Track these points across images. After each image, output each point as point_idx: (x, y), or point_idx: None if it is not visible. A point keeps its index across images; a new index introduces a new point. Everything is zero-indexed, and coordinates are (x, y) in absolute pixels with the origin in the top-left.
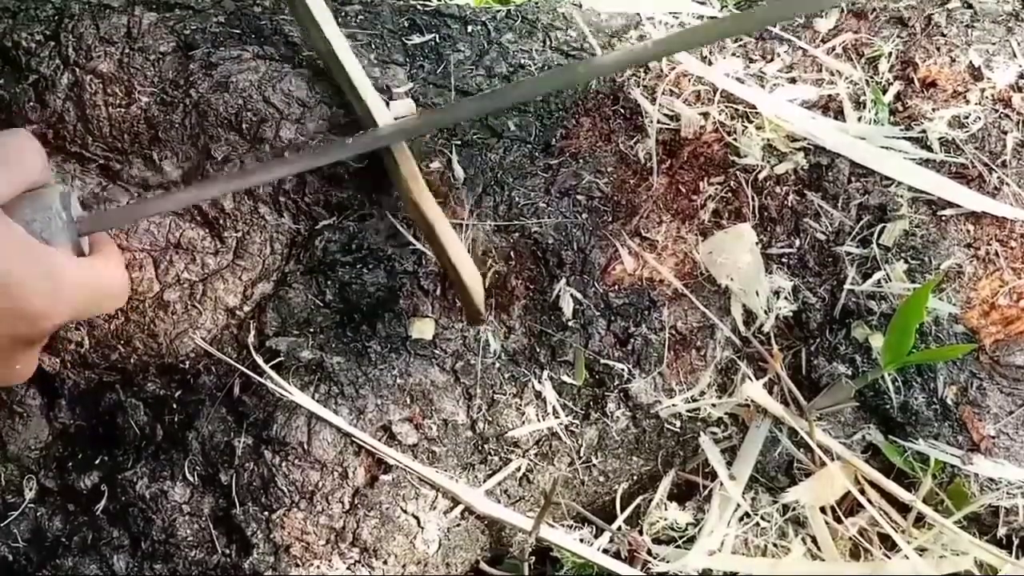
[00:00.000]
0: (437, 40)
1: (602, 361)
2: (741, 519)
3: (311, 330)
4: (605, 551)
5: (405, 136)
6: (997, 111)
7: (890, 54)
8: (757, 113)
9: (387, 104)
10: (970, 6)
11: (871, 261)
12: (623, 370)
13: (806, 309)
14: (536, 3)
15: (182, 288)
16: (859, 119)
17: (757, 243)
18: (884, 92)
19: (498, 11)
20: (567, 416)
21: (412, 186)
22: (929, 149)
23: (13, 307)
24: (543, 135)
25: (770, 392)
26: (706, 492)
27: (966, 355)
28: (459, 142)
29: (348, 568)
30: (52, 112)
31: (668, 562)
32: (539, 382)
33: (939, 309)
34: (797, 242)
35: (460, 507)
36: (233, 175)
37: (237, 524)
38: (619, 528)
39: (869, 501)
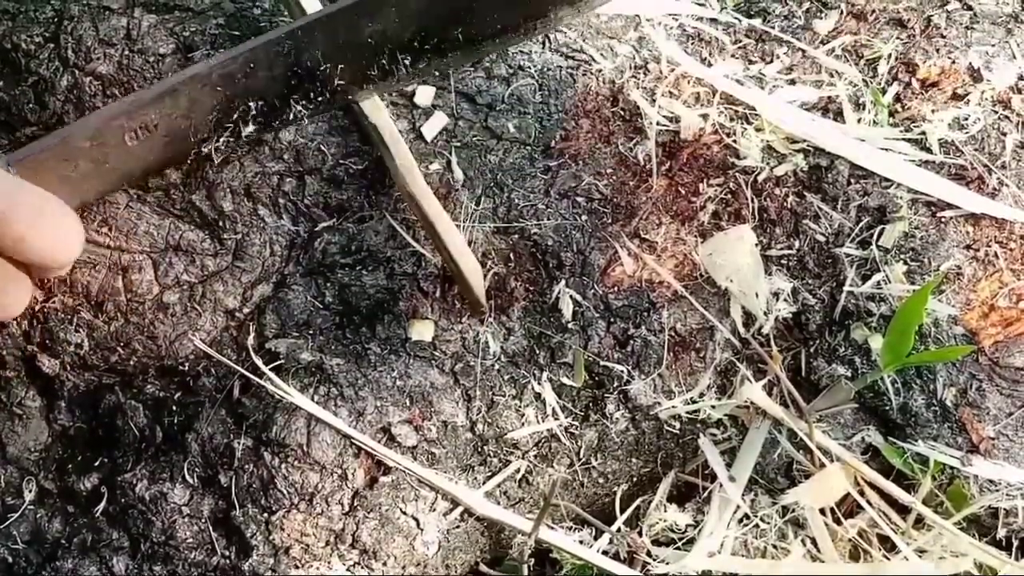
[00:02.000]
0: None
1: (602, 363)
2: (741, 521)
3: (310, 332)
4: (605, 552)
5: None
6: (996, 113)
7: (890, 56)
8: (757, 115)
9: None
10: (969, 8)
11: (870, 263)
12: (623, 372)
13: (805, 311)
14: None
15: (181, 290)
16: (859, 121)
17: (757, 245)
18: (883, 94)
19: None
20: (567, 418)
21: (408, 178)
22: (929, 151)
23: None
24: (542, 137)
25: (769, 394)
26: (706, 494)
27: (965, 356)
28: (458, 144)
29: (348, 570)
30: (51, 114)
31: (668, 563)
32: (539, 384)
33: (938, 311)
34: (796, 244)
35: (459, 509)
36: (168, 77)
37: (237, 526)
38: (619, 529)
39: (868, 502)
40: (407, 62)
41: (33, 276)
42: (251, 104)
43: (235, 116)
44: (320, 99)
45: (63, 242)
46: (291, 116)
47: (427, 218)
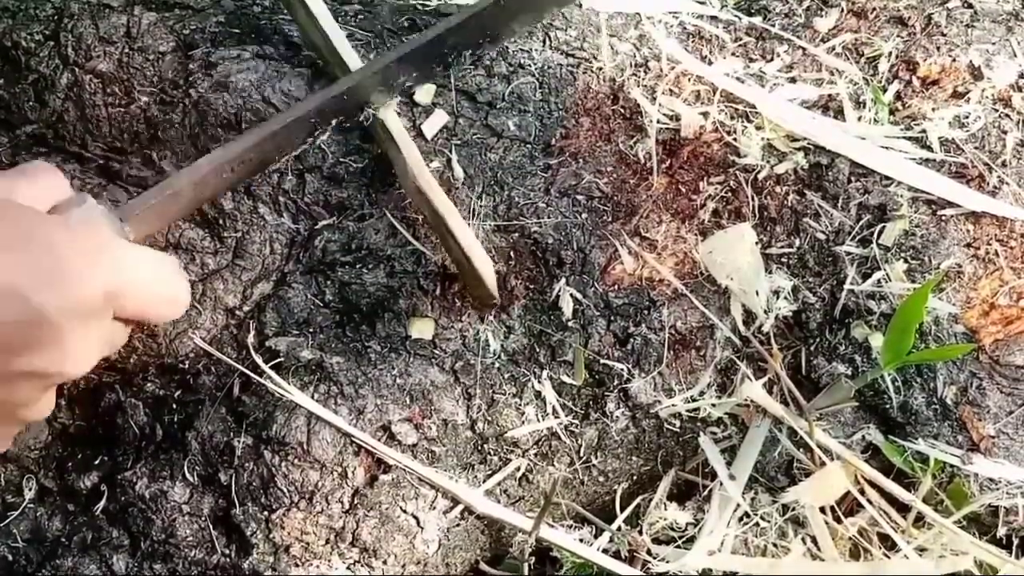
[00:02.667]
0: None
1: (602, 361)
2: (741, 519)
3: (311, 330)
4: (605, 551)
5: (377, 76)
6: (997, 111)
7: (890, 54)
8: (757, 113)
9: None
10: (970, 6)
11: (871, 261)
12: (623, 370)
13: (806, 309)
14: None
15: None
16: (859, 119)
17: (757, 243)
18: (884, 92)
19: None
20: (567, 416)
21: (416, 172)
22: (929, 149)
23: (59, 273)
24: (543, 135)
25: (770, 392)
26: (706, 492)
27: (966, 355)
28: (459, 142)
29: (348, 568)
30: (52, 112)
31: (668, 562)
32: (539, 382)
33: (939, 309)
34: (797, 242)
35: (460, 507)
36: (255, 129)
37: (237, 524)
38: (619, 528)
39: (869, 501)
40: (437, 71)
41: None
42: (332, 121)
43: (316, 133)
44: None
45: (174, 307)
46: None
47: (436, 213)
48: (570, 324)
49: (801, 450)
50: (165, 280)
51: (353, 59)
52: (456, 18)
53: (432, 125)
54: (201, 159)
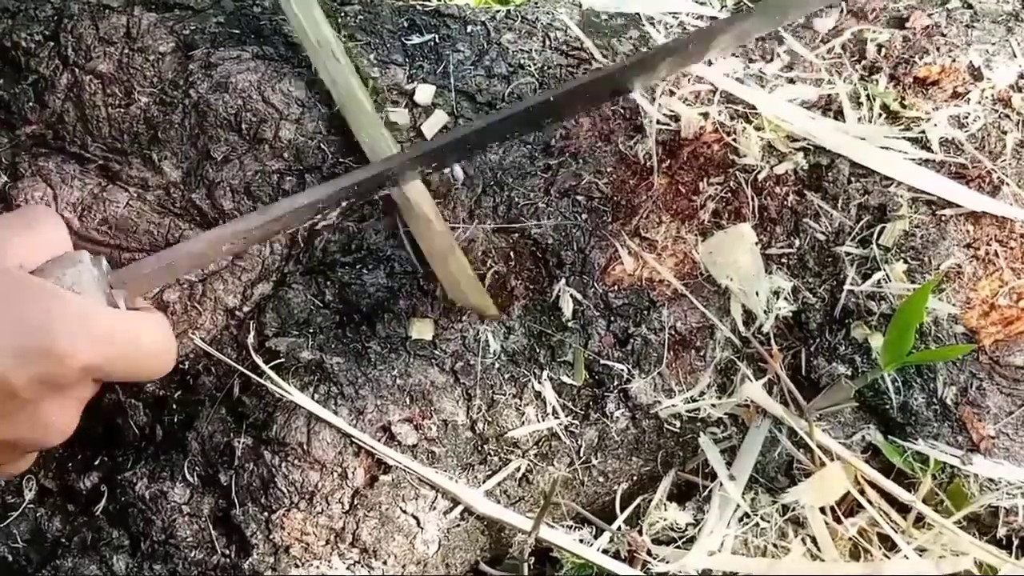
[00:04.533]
0: (437, 40)
1: (602, 361)
2: (741, 519)
3: (311, 330)
4: (605, 551)
5: (412, 167)
6: (997, 111)
7: (890, 54)
8: (757, 113)
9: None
10: (970, 6)
11: (871, 261)
12: (623, 370)
13: (806, 309)
14: (536, 3)
15: (181, 288)
16: (859, 119)
17: (757, 243)
18: (884, 92)
19: (498, 11)
20: (567, 416)
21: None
22: (929, 149)
23: (35, 344)
24: (542, 135)
25: (770, 392)
26: (706, 492)
27: (966, 355)
28: None
29: (348, 568)
30: (51, 112)
31: (668, 562)
32: (539, 382)
33: (939, 309)
34: (797, 242)
35: (460, 507)
36: (261, 211)
37: (237, 525)
38: (619, 528)
39: (869, 501)
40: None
41: None
42: (342, 204)
43: (325, 213)
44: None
45: (160, 367)
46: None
47: (444, 261)
48: (570, 324)
49: (801, 450)
50: (151, 346)
51: (385, 144)
52: (506, 111)
53: (432, 125)
54: (204, 234)
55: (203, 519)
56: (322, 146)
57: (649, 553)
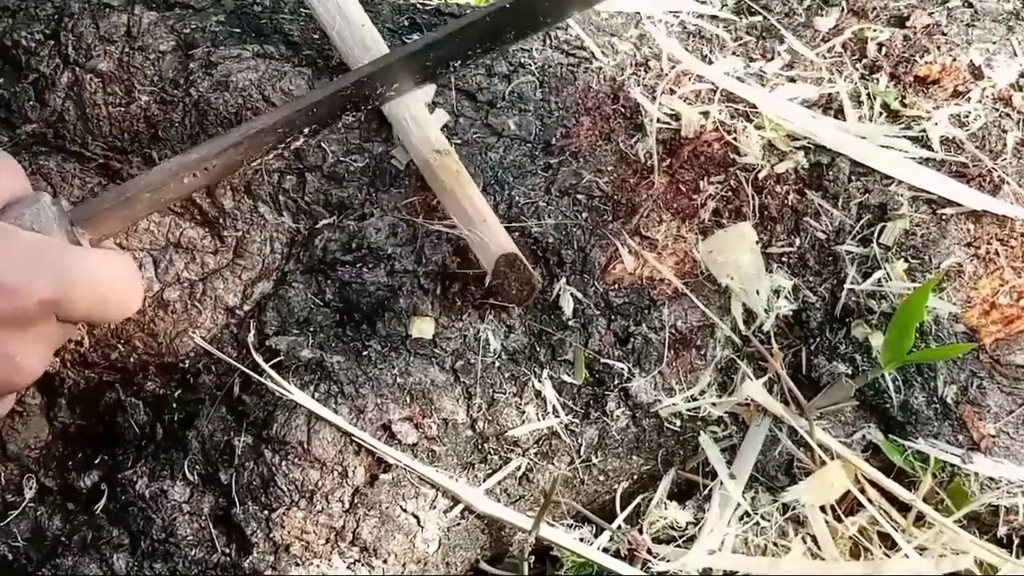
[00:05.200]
0: None
1: (602, 360)
2: (741, 518)
3: (311, 329)
4: (605, 550)
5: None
6: (997, 110)
7: (890, 53)
8: (757, 112)
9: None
10: (970, 5)
11: (871, 260)
12: (623, 369)
13: (806, 308)
14: None
15: (182, 287)
16: (859, 118)
17: (757, 242)
18: (884, 91)
19: None
20: (567, 415)
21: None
22: (929, 148)
23: None
24: (543, 134)
25: (770, 391)
26: (706, 491)
27: (966, 354)
28: (459, 141)
29: (348, 567)
30: (52, 111)
31: (668, 561)
32: (539, 381)
33: (939, 308)
34: (797, 241)
35: (460, 506)
36: (219, 137)
37: (237, 523)
38: (619, 527)
39: (869, 500)
40: (454, 67)
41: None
42: (305, 130)
43: (288, 140)
44: (367, 111)
45: (124, 307)
46: (339, 126)
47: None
48: (570, 323)
49: (801, 449)
50: (113, 282)
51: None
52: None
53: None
54: (157, 166)
55: (203, 518)
56: (322, 145)
57: (649, 552)
